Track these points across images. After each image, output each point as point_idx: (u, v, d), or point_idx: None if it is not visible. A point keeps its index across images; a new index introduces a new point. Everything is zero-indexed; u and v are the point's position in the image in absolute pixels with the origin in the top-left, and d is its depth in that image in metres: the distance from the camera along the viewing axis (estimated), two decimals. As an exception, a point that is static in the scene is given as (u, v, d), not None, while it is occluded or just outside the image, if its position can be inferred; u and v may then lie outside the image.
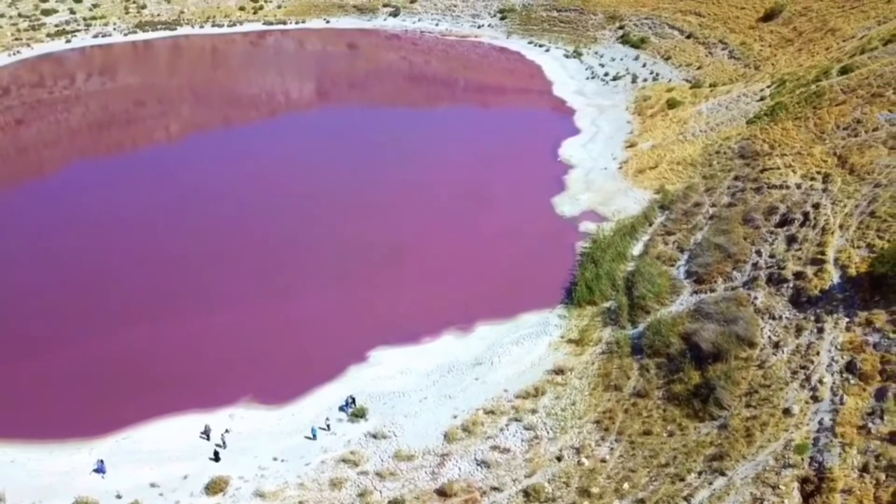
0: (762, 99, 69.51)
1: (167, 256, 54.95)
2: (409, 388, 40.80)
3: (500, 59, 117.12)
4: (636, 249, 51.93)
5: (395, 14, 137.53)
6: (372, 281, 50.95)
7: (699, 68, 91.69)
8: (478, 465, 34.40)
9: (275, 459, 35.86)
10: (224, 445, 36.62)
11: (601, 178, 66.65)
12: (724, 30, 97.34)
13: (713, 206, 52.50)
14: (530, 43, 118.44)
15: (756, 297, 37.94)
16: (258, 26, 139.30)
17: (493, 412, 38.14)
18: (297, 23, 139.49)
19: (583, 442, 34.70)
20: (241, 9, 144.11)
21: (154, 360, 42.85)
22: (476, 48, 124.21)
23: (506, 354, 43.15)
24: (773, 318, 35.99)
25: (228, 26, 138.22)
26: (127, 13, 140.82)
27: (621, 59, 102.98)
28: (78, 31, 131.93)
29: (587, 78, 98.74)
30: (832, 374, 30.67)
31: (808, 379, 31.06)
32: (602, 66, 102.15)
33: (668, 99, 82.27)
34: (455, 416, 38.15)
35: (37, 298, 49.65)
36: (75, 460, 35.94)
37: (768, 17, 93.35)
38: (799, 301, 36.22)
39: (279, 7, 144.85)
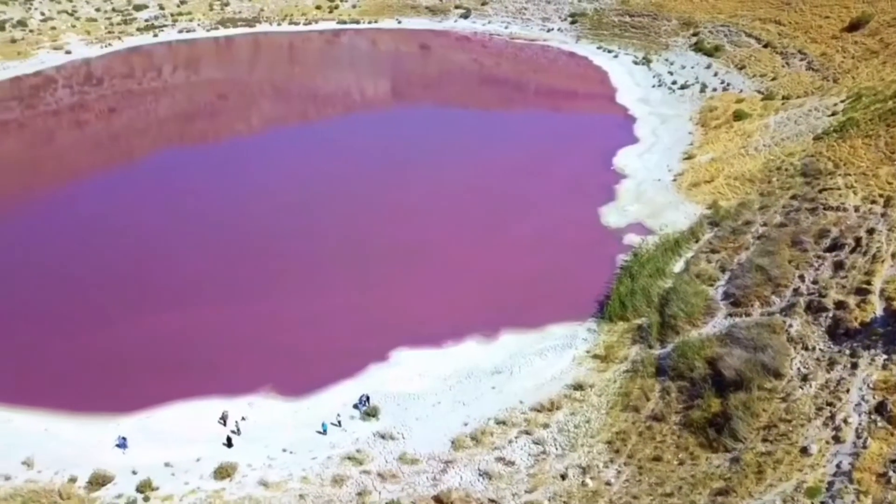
0: (834, 114, 65.42)
1: (214, 246, 57.11)
2: (425, 391, 40.71)
3: (568, 64, 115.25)
4: (678, 266, 49.89)
5: (465, 16, 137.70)
6: (402, 281, 51.18)
7: (773, 79, 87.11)
8: (480, 475, 33.90)
9: (284, 451, 36.53)
10: (238, 432, 37.63)
11: (653, 189, 64.46)
12: (805, 39, 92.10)
13: (764, 225, 49.79)
14: (599, 48, 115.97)
15: (791, 325, 35.70)
16: (333, 25, 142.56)
17: (504, 423, 37.54)
18: (369, 22, 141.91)
19: (591, 462, 33.63)
20: (318, 7, 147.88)
21: (185, 345, 44.54)
22: (545, 52, 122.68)
23: (527, 365, 42.38)
24: (806, 349, 33.76)
25: (304, 24, 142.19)
26: (211, 10, 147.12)
27: (692, 68, 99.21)
28: (165, 26, 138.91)
29: (653, 86, 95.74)
30: (859, 415, 28.47)
31: (832, 417, 28.96)
32: (671, 73, 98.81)
33: (736, 110, 78.66)
34: (466, 424, 37.78)
35: (91, 277, 52.58)
36: (101, 434, 37.68)
37: (854, 27, 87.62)
38: (836, 332, 33.83)
39: (354, 7, 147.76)
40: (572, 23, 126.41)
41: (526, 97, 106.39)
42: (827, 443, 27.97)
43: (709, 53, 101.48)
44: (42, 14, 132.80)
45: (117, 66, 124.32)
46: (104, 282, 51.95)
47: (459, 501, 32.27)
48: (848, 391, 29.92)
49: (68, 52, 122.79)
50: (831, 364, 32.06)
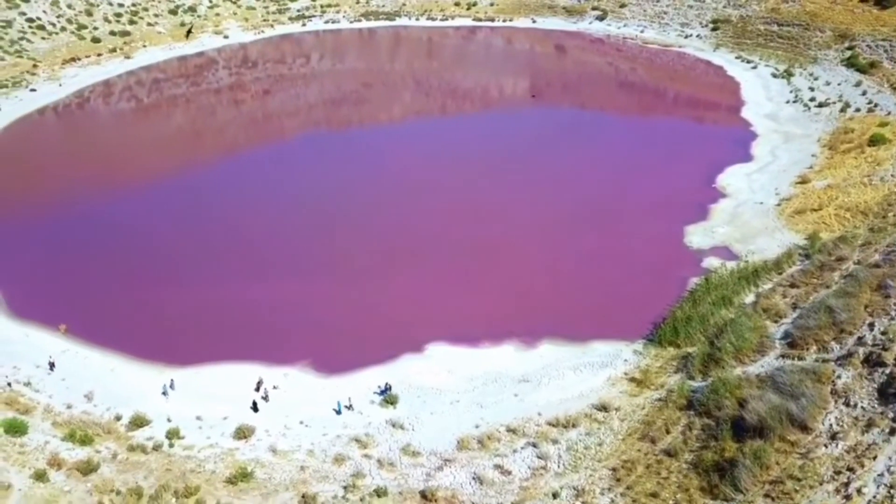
0: None
1: (306, 226, 60.63)
2: (448, 387, 40.99)
3: (702, 73, 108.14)
4: (749, 297, 45.97)
5: (601, 18, 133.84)
6: (461, 278, 51.64)
7: (932, 102, 76.88)
8: (473, 478, 33.67)
9: (301, 423, 38.43)
10: (267, 399, 40.05)
11: (751, 212, 59.55)
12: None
13: (858, 263, 44.45)
14: (738, 58, 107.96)
15: (840, 376, 31.84)
16: (468, 22, 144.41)
17: (515, 431, 36.94)
18: (504, 21, 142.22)
19: (588, 486, 32.24)
20: (456, 4, 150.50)
21: (246, 313, 47.98)
22: (680, 59, 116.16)
23: (558, 378, 41.28)
24: (847, 405, 29.97)
25: (441, 20, 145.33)
26: (357, 2, 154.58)
27: (838, 84, 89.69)
28: (314, 16, 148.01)
29: (788, 101, 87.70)
30: (878, 486, 24.95)
31: (847, 484, 25.63)
32: (812, 89, 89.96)
33: (874, 134, 70.30)
34: (477, 426, 37.60)
35: (194, 243, 57.84)
36: (153, 382, 41.70)
37: None
38: (887, 392, 29.68)
39: (491, 5, 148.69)
40: (713, 29, 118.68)
41: (649, 104, 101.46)
42: (832, 511, 24.87)
43: (862, 69, 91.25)
44: (210, 1, 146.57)
45: (270, 51, 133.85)
46: (203, 248, 56.93)
47: (444, 501, 32.31)
48: (875, 458, 26.30)
49: (226, 37, 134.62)
50: (869, 425, 28.26)
